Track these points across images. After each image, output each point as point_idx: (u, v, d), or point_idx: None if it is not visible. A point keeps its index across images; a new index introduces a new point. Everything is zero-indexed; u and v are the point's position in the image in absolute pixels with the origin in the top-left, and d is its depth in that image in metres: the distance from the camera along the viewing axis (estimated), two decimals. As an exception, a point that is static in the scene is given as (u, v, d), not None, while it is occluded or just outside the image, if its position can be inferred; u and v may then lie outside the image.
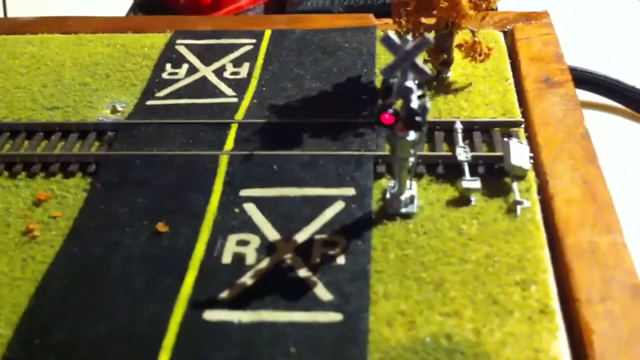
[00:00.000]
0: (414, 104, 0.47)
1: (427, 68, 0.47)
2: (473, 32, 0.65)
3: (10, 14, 0.93)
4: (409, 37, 0.47)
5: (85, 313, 0.47)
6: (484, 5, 0.62)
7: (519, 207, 0.53)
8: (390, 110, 0.47)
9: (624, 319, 0.46)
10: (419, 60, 0.47)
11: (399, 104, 0.49)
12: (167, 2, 0.94)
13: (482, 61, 0.65)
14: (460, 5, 0.60)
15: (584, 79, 0.86)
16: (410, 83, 0.48)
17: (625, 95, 0.88)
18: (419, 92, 0.48)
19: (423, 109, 0.48)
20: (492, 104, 0.64)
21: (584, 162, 0.57)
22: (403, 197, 0.53)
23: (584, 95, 0.85)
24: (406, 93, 0.48)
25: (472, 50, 0.65)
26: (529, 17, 0.76)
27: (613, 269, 0.49)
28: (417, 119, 0.47)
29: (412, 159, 0.51)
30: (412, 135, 0.49)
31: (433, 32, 0.64)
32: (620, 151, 0.79)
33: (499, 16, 0.76)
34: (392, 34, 0.46)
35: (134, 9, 0.97)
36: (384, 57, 0.70)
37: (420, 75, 0.47)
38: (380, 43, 0.47)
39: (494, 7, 0.63)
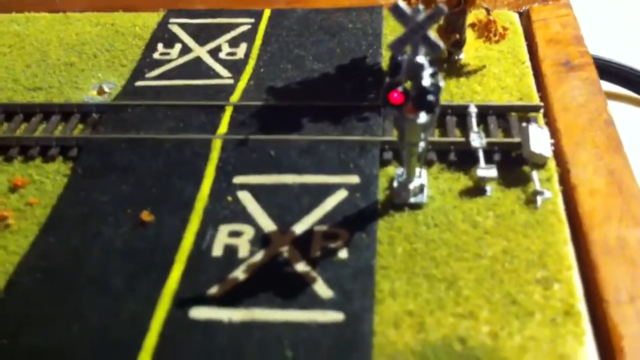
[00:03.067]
0: (426, 81, 0.43)
1: (440, 42, 0.43)
2: (487, 11, 0.60)
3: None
4: (420, 6, 0.42)
5: (58, 313, 0.43)
6: (500, -20, 0.57)
7: (539, 198, 0.48)
8: (399, 89, 0.43)
9: (658, 323, 0.41)
10: (431, 33, 0.43)
11: (408, 83, 0.44)
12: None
13: (497, 42, 0.61)
14: (475, -21, 0.55)
15: (605, 70, 0.81)
16: (421, 59, 0.43)
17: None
18: (431, 70, 0.44)
19: (436, 88, 0.43)
20: (507, 88, 0.59)
21: (608, 150, 0.53)
22: (412, 186, 0.48)
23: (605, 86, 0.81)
24: (417, 70, 0.43)
25: (486, 30, 0.60)
26: (546, -2, 0.71)
27: (644, 267, 0.44)
28: (430, 98, 0.42)
29: (422, 144, 0.46)
30: (422, 118, 0.44)
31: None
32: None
33: (514, -4, 0.72)
34: (402, 3, 0.41)
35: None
36: (390, 38, 0.65)
37: (433, 49, 0.42)
38: (389, 12, 0.42)
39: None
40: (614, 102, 0.81)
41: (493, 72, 0.61)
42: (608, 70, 0.79)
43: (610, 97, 0.81)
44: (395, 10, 0.42)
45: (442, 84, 0.43)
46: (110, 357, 0.40)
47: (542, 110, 0.56)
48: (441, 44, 0.43)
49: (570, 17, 0.68)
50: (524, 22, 0.68)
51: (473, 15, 0.61)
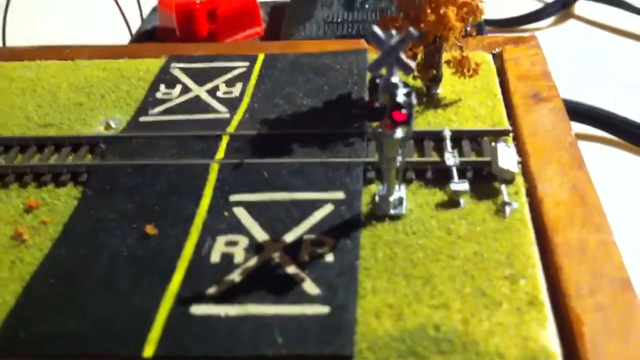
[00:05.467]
0: (400, 98, 0.48)
1: (412, 62, 0.48)
2: (461, 48, 0.66)
3: (9, 44, 0.94)
4: (393, 32, 0.47)
5: (69, 309, 0.47)
6: (470, 19, 0.63)
7: (507, 208, 0.53)
8: (377, 105, 0.48)
9: (614, 310, 0.45)
10: (404, 55, 0.48)
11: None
12: (162, 36, 0.96)
13: (470, 76, 0.66)
14: (447, 17, 0.61)
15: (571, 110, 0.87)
16: (395, 79, 0.48)
17: (619, 127, 0.88)
18: (405, 90, 0.49)
19: (409, 105, 0.48)
20: (481, 117, 0.64)
21: (572, 167, 0.58)
22: (391, 199, 0.53)
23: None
24: (392, 89, 0.48)
25: (460, 66, 0.66)
26: (517, 41, 0.77)
27: (602, 265, 0.49)
28: (403, 111, 0.48)
29: (399, 159, 0.51)
30: (399, 133, 0.50)
31: (422, 47, 0.66)
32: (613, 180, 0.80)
33: (488, 40, 0.78)
34: (377, 28, 0.47)
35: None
36: (374, 76, 0.71)
37: (405, 69, 0.48)
38: (367, 37, 0.48)
39: (480, 21, 0.64)
40: (584, 142, 0.87)
41: (468, 104, 0.66)
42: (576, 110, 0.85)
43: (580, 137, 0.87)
44: (372, 34, 0.47)
45: (414, 101, 0.49)
46: (119, 346, 0.44)
47: (511, 134, 0.61)
48: (413, 64, 0.48)
49: (540, 55, 0.74)
50: (497, 61, 0.74)
51: (449, 54, 0.67)
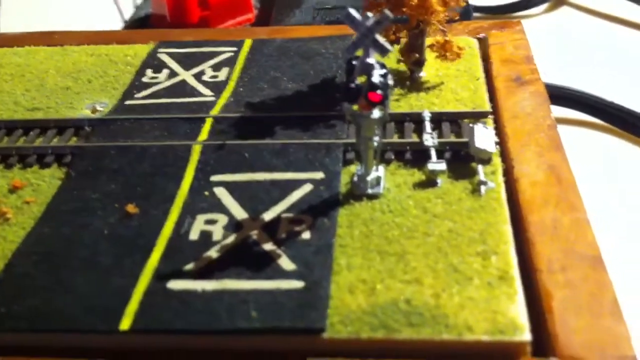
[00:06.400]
0: (375, 79, 0.49)
1: (388, 44, 0.49)
2: (444, 32, 0.66)
3: (4, 30, 0.95)
4: (370, 14, 0.48)
5: (52, 286, 0.48)
6: (452, 3, 0.63)
7: (483, 187, 0.54)
8: (353, 86, 0.49)
9: (584, 286, 0.46)
10: (380, 37, 0.49)
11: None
12: (155, 23, 0.96)
13: (452, 60, 0.67)
14: (429, 1, 0.62)
15: (560, 96, 0.88)
16: (371, 60, 0.49)
17: (605, 111, 0.89)
18: (382, 71, 0.50)
19: (384, 85, 0.49)
20: (462, 100, 0.65)
21: (549, 149, 0.58)
22: (369, 178, 0.54)
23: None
24: (368, 69, 0.49)
25: (443, 50, 0.67)
26: (503, 26, 0.77)
27: (574, 242, 0.49)
28: (378, 92, 0.48)
29: (376, 139, 0.52)
30: (376, 114, 0.50)
31: (405, 31, 0.66)
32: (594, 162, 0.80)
33: (474, 25, 0.78)
34: (353, 11, 0.48)
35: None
36: (359, 60, 0.71)
37: (381, 51, 0.49)
38: (344, 20, 0.49)
39: (467, 7, 0.64)
40: (573, 127, 0.88)
41: (450, 87, 0.67)
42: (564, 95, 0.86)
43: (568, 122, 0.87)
44: (347, 17, 0.48)
45: (390, 82, 0.49)
46: (98, 319, 0.45)
47: (490, 117, 0.62)
48: (389, 46, 0.49)
49: (523, 40, 0.75)
50: (483, 46, 0.75)
51: (433, 38, 0.68)
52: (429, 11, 0.62)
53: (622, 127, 0.85)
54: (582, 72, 0.96)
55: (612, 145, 0.85)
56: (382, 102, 0.49)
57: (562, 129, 0.63)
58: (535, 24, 1.14)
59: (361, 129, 0.51)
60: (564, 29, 1.11)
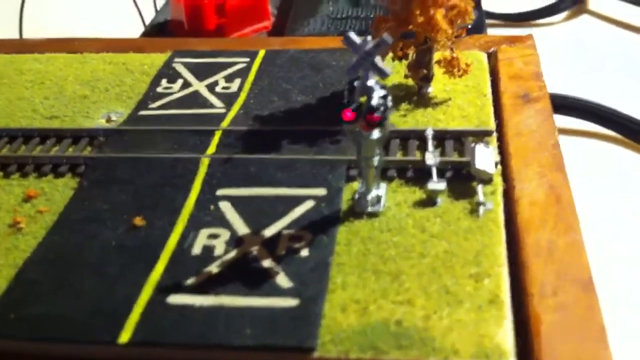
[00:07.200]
0: (374, 101, 0.50)
1: (388, 68, 0.50)
2: (451, 49, 0.67)
3: (25, 36, 0.98)
4: (369, 38, 0.49)
5: (59, 293, 0.50)
6: (459, 21, 0.64)
7: (481, 208, 0.54)
8: (352, 107, 0.50)
9: (574, 310, 0.47)
10: (380, 60, 0.50)
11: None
12: (173, 29, 0.98)
13: (460, 76, 0.68)
14: (435, 20, 0.63)
15: (574, 107, 0.88)
16: (371, 82, 0.50)
17: (620, 123, 0.89)
18: (382, 92, 0.51)
19: (384, 107, 0.50)
20: (468, 117, 0.66)
21: (551, 169, 0.59)
22: (369, 197, 0.55)
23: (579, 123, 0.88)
24: (367, 92, 0.50)
25: (450, 66, 0.67)
26: (513, 40, 0.78)
27: (568, 266, 0.50)
28: (377, 114, 0.49)
29: (376, 159, 0.53)
30: (376, 134, 0.52)
31: (413, 47, 0.67)
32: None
33: (485, 39, 0.79)
34: (353, 34, 0.49)
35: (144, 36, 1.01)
36: (368, 74, 0.73)
37: (380, 74, 0.50)
38: (343, 42, 0.50)
39: (469, 24, 0.65)
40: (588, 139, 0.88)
41: (457, 103, 0.68)
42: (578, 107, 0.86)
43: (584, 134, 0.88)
44: (347, 40, 0.49)
45: (390, 104, 0.51)
46: (99, 329, 0.47)
47: (494, 135, 0.62)
48: (388, 70, 0.50)
49: (534, 56, 0.75)
50: (492, 61, 0.75)
51: (441, 53, 0.68)
52: (435, 29, 0.63)
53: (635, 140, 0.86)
54: (600, 81, 0.96)
55: (626, 157, 0.85)
56: (381, 124, 0.50)
57: (576, 140, 0.63)
58: (556, 32, 1.14)
59: (361, 148, 0.53)
60: (583, 37, 1.11)
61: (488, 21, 1.14)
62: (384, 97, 0.51)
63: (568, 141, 0.86)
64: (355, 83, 0.51)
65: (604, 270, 0.68)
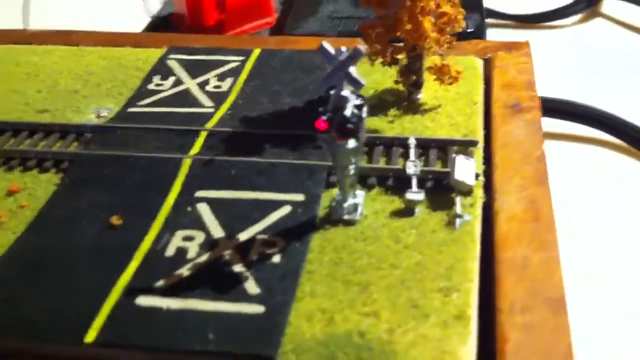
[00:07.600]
0: (348, 112, 0.49)
1: (361, 79, 0.49)
2: (441, 56, 0.67)
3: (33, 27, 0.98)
4: (343, 48, 0.49)
5: (27, 295, 0.50)
6: (448, 29, 0.64)
7: (458, 220, 0.54)
8: (324, 117, 0.50)
9: (541, 330, 0.46)
10: (354, 71, 0.50)
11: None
12: (176, 22, 0.98)
13: (450, 84, 0.67)
14: (423, 27, 0.62)
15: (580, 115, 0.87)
16: (346, 92, 0.50)
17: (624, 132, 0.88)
18: (357, 102, 0.51)
19: (357, 118, 0.50)
20: (456, 125, 0.65)
21: (533, 182, 0.58)
22: (346, 205, 0.55)
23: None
24: (341, 102, 0.50)
25: (441, 73, 0.67)
26: (510, 47, 0.77)
27: (541, 283, 0.50)
28: (349, 126, 0.49)
29: (352, 167, 0.53)
30: (351, 144, 0.51)
31: (404, 53, 0.67)
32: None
33: (482, 44, 0.78)
34: (327, 44, 0.49)
35: (148, 30, 1.01)
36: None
37: (354, 85, 0.49)
38: (318, 52, 0.50)
39: (460, 32, 0.64)
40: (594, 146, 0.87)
41: (446, 111, 0.67)
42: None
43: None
44: (321, 50, 0.49)
45: (365, 114, 0.50)
46: (65, 331, 0.47)
47: (479, 145, 0.62)
48: (362, 81, 0.50)
49: (528, 64, 0.74)
50: (487, 68, 0.75)
51: (432, 60, 0.68)
52: (423, 36, 0.63)
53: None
54: (611, 85, 0.95)
55: (628, 164, 0.84)
56: (354, 134, 0.50)
57: (577, 146, 0.62)
58: (568, 34, 1.13)
59: (337, 157, 0.52)
60: (595, 40, 1.10)
61: (499, 22, 1.13)
62: (359, 107, 0.50)
63: (570, 147, 0.85)
64: (332, 92, 0.51)
65: (604, 276, 0.68)
